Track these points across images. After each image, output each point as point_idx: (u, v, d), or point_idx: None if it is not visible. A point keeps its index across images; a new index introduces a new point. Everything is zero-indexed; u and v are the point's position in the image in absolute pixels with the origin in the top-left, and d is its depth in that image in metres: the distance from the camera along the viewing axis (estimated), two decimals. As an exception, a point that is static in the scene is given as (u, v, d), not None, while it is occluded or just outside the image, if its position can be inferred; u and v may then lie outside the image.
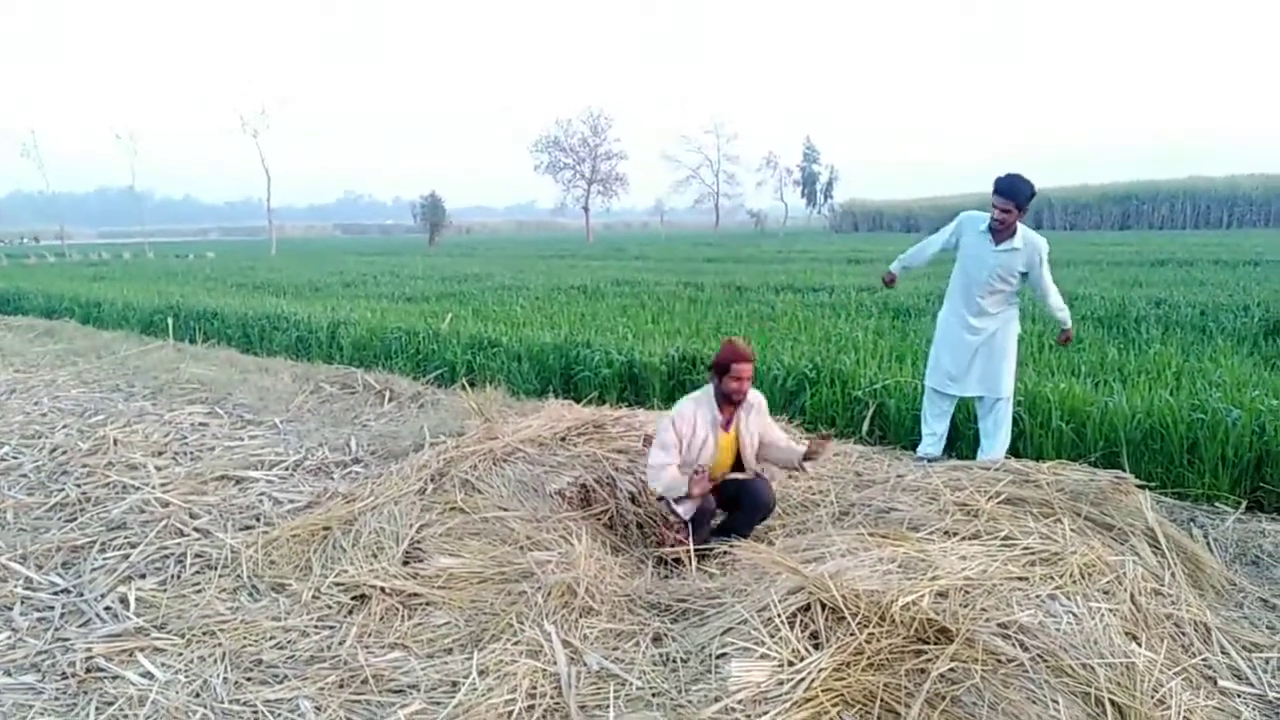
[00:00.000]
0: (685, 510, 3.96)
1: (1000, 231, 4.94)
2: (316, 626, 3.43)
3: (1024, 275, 5.09)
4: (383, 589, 3.57)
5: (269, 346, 11.14)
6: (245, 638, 3.35)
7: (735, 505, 4.18)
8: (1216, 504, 4.68)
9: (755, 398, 4.16)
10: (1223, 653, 3.14)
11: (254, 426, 6.59)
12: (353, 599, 3.58)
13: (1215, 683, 2.95)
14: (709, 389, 4.07)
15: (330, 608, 3.55)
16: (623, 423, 5.09)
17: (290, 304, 13.53)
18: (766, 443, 4.19)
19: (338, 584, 3.67)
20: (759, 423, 4.16)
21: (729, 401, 4.00)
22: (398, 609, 3.49)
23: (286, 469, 5.39)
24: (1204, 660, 3.07)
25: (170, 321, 12.34)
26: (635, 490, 4.50)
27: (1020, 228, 4.95)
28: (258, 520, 4.53)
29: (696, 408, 4.02)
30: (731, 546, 3.71)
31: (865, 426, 6.05)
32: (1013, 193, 4.77)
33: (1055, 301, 5.20)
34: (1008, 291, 5.14)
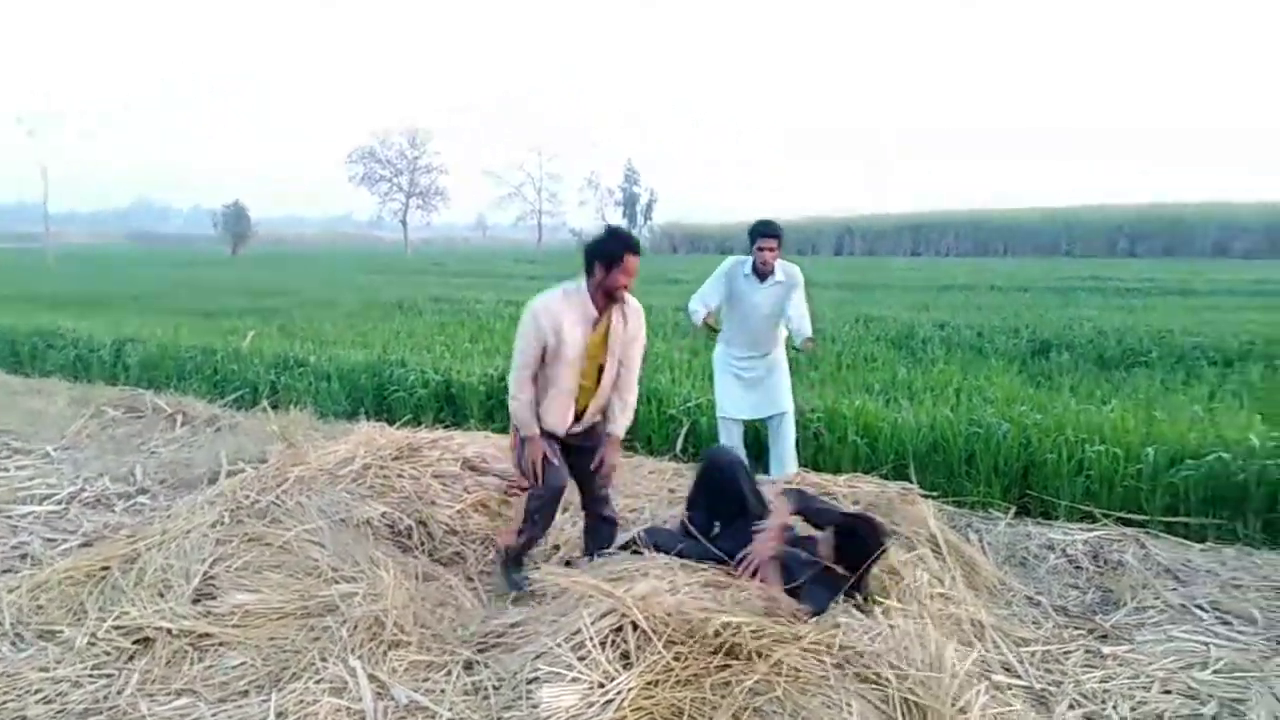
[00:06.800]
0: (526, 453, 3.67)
1: (765, 270, 5.20)
2: (92, 676, 3.13)
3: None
4: (169, 630, 3.31)
5: (42, 366, 10.15)
6: (7, 692, 3.02)
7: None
8: (990, 510, 5.12)
9: (636, 304, 3.69)
10: (995, 648, 3.43)
11: (22, 455, 5.97)
12: (135, 643, 3.29)
13: (989, 677, 3.22)
14: (579, 283, 3.55)
15: (109, 654, 3.25)
16: (439, 445, 4.96)
17: (69, 319, 12.35)
18: (628, 366, 3.71)
19: (117, 627, 3.36)
20: (633, 333, 3.67)
21: (609, 298, 3.53)
22: (186, 651, 3.24)
23: (60, 502, 4.91)
24: (980, 656, 3.34)
25: (-79, 338, 10.98)
26: (449, 515, 4.41)
27: (778, 262, 5.25)
28: (24, 560, 4.09)
29: (565, 300, 3.52)
30: (547, 573, 3.68)
31: (679, 445, 6.21)
32: (777, 230, 5.18)
33: (801, 320, 5.22)
34: (779, 324, 5.35)
